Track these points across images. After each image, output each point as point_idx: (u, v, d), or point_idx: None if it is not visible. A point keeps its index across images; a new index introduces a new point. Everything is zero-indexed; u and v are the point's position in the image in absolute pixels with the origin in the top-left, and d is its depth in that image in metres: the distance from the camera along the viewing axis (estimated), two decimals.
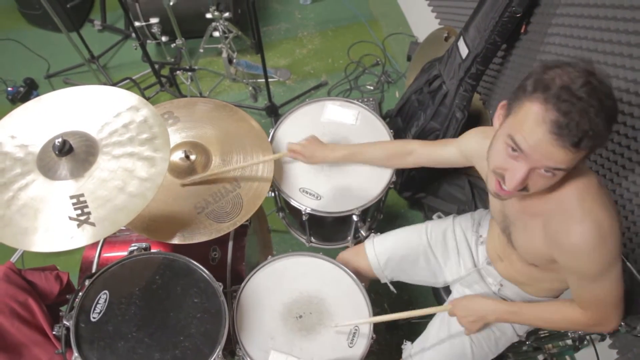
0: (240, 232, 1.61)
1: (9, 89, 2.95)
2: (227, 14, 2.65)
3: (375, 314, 1.40)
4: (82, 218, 1.11)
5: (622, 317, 1.17)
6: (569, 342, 1.65)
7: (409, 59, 2.95)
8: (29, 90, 2.95)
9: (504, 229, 1.26)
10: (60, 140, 1.15)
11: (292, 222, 1.95)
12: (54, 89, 1.29)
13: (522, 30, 1.82)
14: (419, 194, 2.32)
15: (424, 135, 2.10)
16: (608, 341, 1.64)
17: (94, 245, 1.60)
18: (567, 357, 2.02)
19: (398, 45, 3.09)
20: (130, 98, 1.31)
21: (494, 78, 2.15)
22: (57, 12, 2.53)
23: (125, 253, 1.50)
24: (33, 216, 1.12)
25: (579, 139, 0.87)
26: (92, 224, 1.11)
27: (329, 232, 1.88)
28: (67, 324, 1.16)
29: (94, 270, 1.53)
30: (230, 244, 1.56)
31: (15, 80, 3.02)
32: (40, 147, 1.20)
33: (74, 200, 1.13)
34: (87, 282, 1.23)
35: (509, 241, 1.26)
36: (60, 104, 1.30)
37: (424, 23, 2.91)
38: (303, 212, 1.60)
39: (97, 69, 2.93)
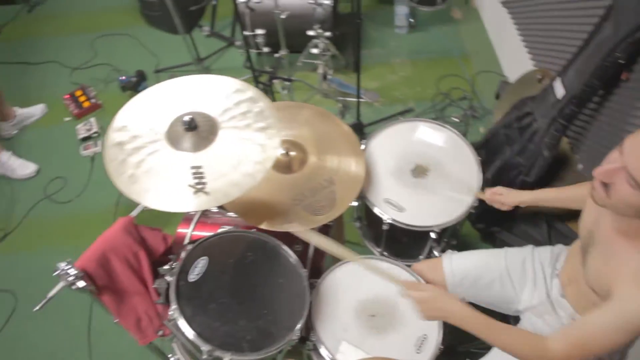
0: (323, 230, 1.70)
1: (122, 77, 3.25)
2: (328, 34, 2.82)
3: None
4: (199, 187, 1.24)
5: None
6: None
7: (497, 97, 2.98)
8: (138, 81, 3.24)
9: (584, 246, 1.28)
10: (189, 117, 1.31)
11: (367, 233, 2.03)
12: (160, 82, 1.44)
13: (624, 77, 1.83)
14: (493, 227, 2.33)
15: (506, 169, 2.13)
16: None
17: (187, 223, 1.74)
18: None
19: (487, 82, 3.13)
20: (250, 90, 1.45)
21: (586, 123, 2.15)
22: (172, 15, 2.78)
23: None
24: (157, 178, 1.26)
25: None
26: (207, 193, 1.24)
27: (403, 247, 1.93)
28: (169, 279, 1.29)
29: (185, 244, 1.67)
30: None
31: (127, 70, 3.32)
32: (170, 122, 1.36)
33: (194, 170, 1.27)
34: (189, 247, 1.36)
35: (583, 260, 1.28)
36: (190, 88, 1.46)
37: (515, 63, 2.94)
38: (384, 221, 1.67)
39: (201, 70, 3.18)
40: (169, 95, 1.46)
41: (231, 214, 1.76)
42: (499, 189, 1.71)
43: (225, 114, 1.39)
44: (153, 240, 1.41)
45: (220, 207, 1.77)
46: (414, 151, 1.81)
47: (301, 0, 2.88)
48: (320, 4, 2.79)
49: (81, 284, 1.19)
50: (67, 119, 3.15)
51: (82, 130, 3.03)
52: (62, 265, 1.19)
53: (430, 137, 1.85)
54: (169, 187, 1.25)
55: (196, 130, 1.32)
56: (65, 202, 2.75)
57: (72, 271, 1.18)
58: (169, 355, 1.75)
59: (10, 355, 2.25)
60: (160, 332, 1.47)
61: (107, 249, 1.27)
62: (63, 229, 2.65)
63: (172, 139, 1.32)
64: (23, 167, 2.85)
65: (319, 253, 1.63)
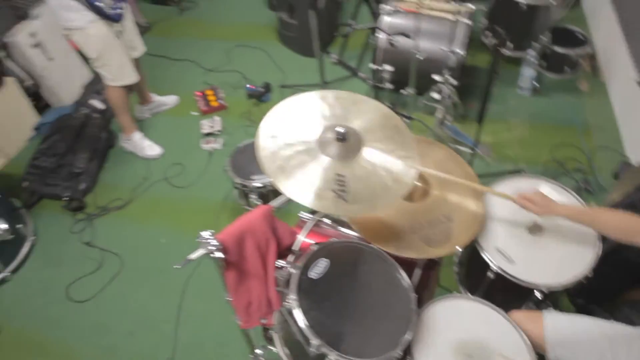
0: (430, 265, 1.73)
1: (250, 86, 3.50)
2: (454, 82, 2.90)
3: None
4: (340, 192, 1.34)
5: None
6: None
7: (615, 176, 2.89)
8: (264, 92, 3.47)
9: None
10: (343, 130, 1.42)
11: (464, 279, 2.03)
12: (283, 97, 1.55)
13: None
14: (593, 306, 2.24)
15: (623, 248, 2.05)
16: None
17: (300, 228, 1.84)
18: None
19: (605, 159, 3.05)
20: (396, 119, 1.56)
21: None
22: (312, 39, 2.97)
23: None
24: (303, 175, 1.37)
25: None
26: (345, 200, 1.33)
27: (499, 300, 1.91)
28: (292, 271, 1.38)
29: (294, 247, 1.76)
30: (419, 271, 1.69)
31: (255, 81, 3.57)
32: (322, 129, 1.47)
33: (338, 177, 1.37)
34: (314, 247, 1.46)
35: None
36: (342, 103, 1.58)
37: None
38: (490, 269, 1.68)
39: None
40: (322, 105, 1.58)
41: (342, 229, 1.84)
42: (535, 197, 1.63)
43: (371, 135, 1.49)
44: (283, 232, 1.52)
45: (334, 221, 1.86)
46: None
47: (435, 46, 2.98)
48: (454, 52, 2.88)
49: (219, 254, 1.31)
50: (194, 113, 3.44)
51: (206, 125, 3.28)
52: (206, 234, 1.32)
53: (552, 197, 1.84)
54: (311, 185, 1.36)
55: (345, 141, 1.43)
56: (180, 187, 2.98)
57: (214, 242, 1.30)
58: (254, 346, 1.84)
59: (106, 310, 2.44)
60: (264, 321, 1.56)
61: (246, 229, 1.39)
62: (173, 210, 2.87)
63: (322, 145, 1.44)
64: (150, 148, 3.13)
65: (423, 283, 1.67)
